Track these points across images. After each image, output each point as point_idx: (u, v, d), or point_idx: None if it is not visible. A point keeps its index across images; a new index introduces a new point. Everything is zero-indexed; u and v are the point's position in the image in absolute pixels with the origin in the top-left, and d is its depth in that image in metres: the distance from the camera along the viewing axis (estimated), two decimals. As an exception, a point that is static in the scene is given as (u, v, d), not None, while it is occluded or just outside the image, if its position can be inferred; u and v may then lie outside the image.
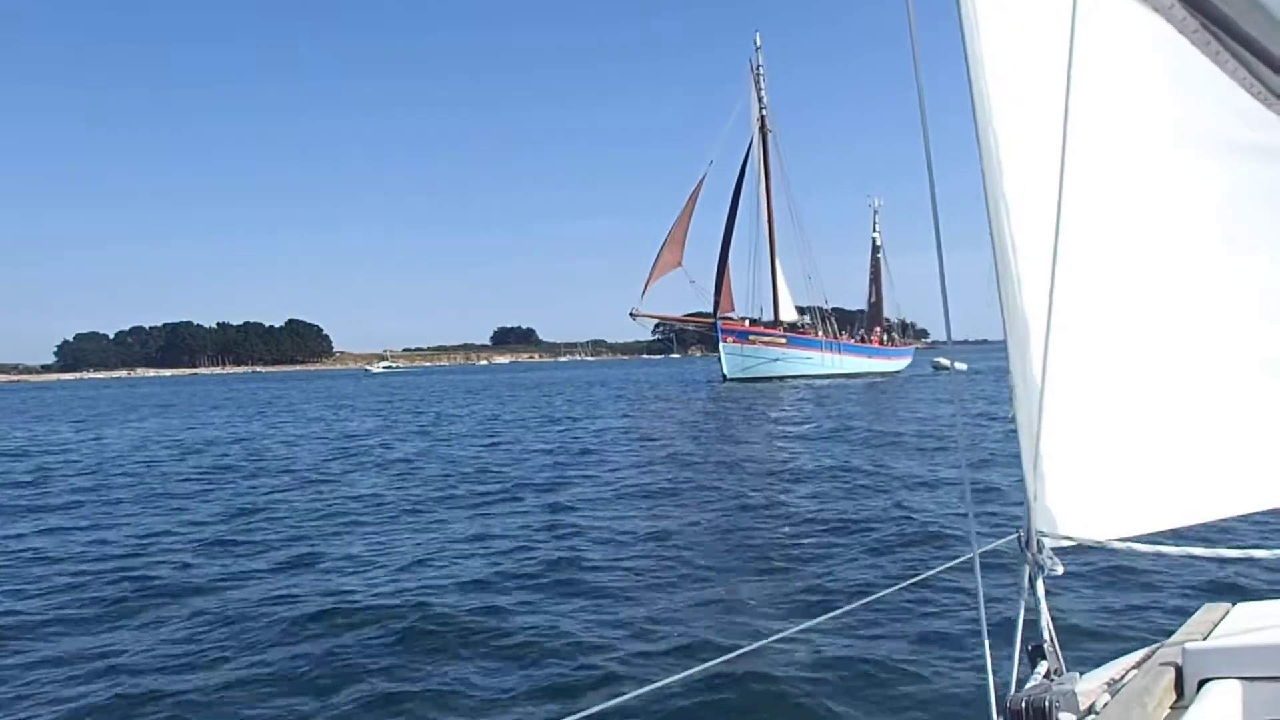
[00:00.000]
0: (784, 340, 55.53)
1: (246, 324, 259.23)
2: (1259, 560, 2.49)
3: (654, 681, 2.22)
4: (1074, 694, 1.74)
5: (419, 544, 9.93)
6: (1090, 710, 1.78)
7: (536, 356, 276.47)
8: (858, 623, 6.50)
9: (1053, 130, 1.82)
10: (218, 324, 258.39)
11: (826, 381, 52.31)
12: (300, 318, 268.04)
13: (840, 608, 3.32)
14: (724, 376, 53.95)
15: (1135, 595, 7.11)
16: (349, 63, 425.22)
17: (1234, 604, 2.54)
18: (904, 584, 3.36)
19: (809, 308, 60.12)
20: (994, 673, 1.89)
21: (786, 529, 10.66)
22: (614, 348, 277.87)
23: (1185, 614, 2.50)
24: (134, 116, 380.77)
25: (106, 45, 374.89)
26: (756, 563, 9.01)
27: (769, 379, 53.09)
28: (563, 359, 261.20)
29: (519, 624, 6.93)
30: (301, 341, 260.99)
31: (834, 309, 65.96)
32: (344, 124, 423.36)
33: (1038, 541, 2.05)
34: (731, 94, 57.84)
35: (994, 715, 1.75)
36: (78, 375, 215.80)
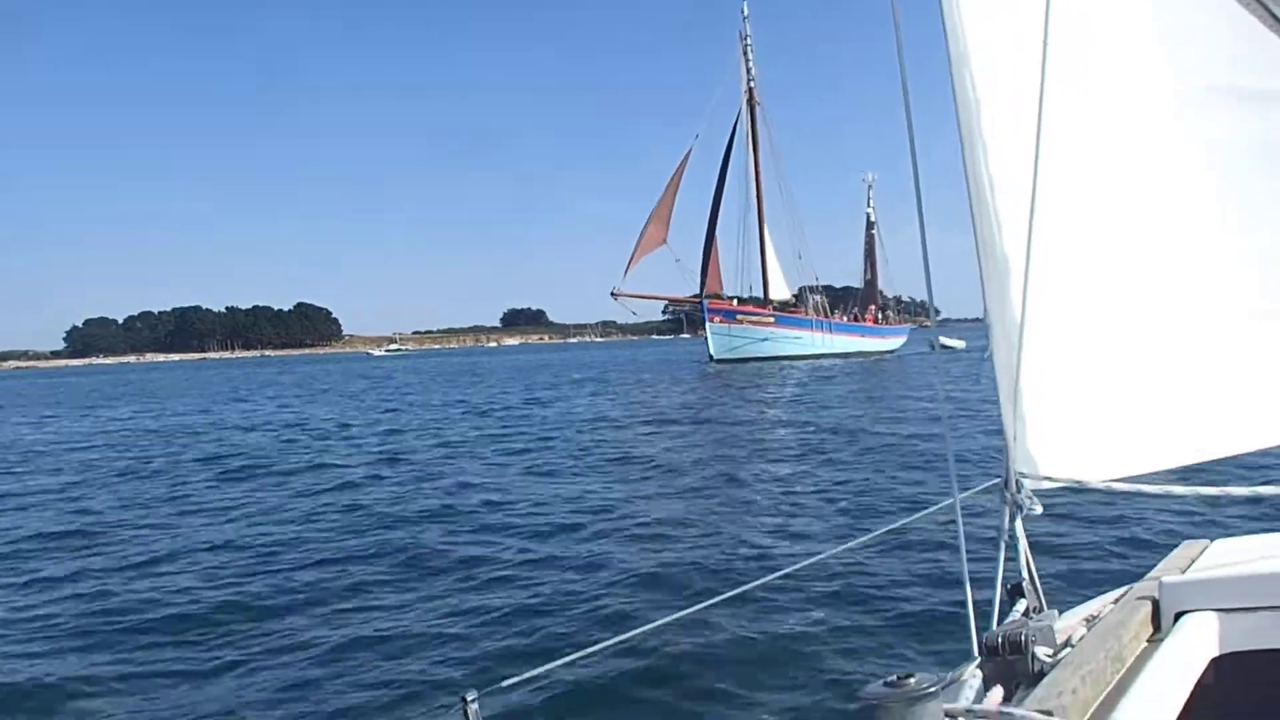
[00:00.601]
0: (772, 320, 53.69)
1: (255, 308, 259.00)
2: (1237, 497, 2.25)
3: (635, 628, 2.28)
4: (1051, 629, 1.76)
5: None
6: (1066, 644, 1.76)
7: (547, 338, 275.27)
8: (842, 568, 6.56)
9: (1031, 64, 1.80)
10: (226, 308, 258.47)
11: (816, 361, 50.58)
12: (310, 301, 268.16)
13: (823, 553, 3.33)
14: (711, 357, 52.32)
15: (1117, 536, 7.13)
16: (357, 45, 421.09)
17: (1212, 540, 2.53)
18: (887, 528, 3.40)
19: (812, 287, 58.23)
20: (975, 613, 1.94)
21: (762, 489, 10.52)
22: (624, 328, 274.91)
23: (1164, 554, 2.46)
24: (137, 99, 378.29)
25: (101, 26, 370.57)
26: (733, 517, 9.02)
27: (757, 359, 51.40)
28: (572, 340, 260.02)
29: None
30: (310, 325, 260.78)
31: (842, 288, 64.21)
32: (349, 107, 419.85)
33: (1017, 482, 2.07)
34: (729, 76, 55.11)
35: (975, 654, 1.75)
36: (86, 361, 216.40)
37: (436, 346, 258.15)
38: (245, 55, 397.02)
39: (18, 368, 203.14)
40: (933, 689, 1.36)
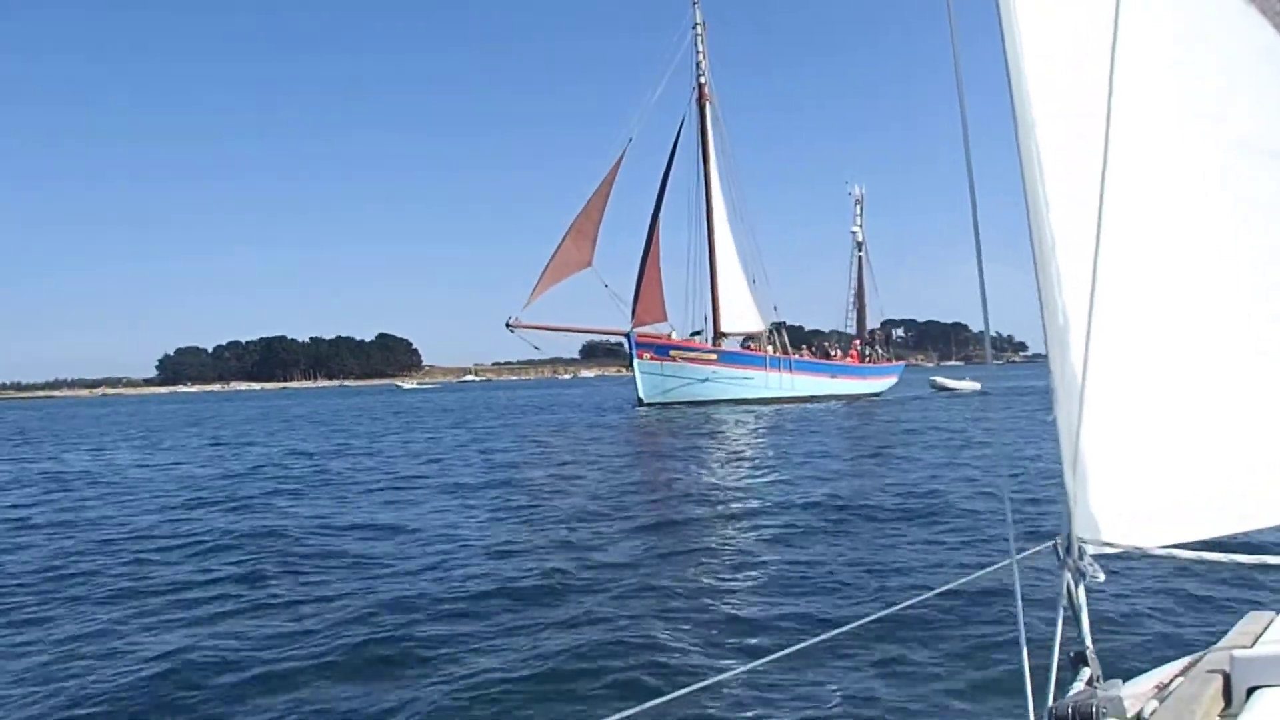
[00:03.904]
0: (714, 357, 45.00)
1: (338, 338, 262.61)
2: None
3: (687, 686, 2.13)
4: (1120, 700, 1.73)
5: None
6: (1137, 717, 1.76)
7: (624, 370, 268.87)
8: (892, 629, 6.28)
9: (1095, 123, 1.81)
10: (310, 338, 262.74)
11: (771, 407, 41.70)
12: (391, 332, 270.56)
13: (874, 614, 2.98)
14: (640, 400, 44.23)
15: (1173, 602, 6.92)
16: (432, 76, 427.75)
17: (1278, 613, 2.47)
18: (939, 590, 3.19)
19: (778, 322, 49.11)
20: (1032, 680, 1.89)
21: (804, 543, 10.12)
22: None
23: (1226, 623, 2.38)
24: (223, 135, 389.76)
25: (169, 62, 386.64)
26: (780, 575, 8.68)
27: (695, 403, 42.93)
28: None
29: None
30: (391, 355, 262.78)
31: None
32: (437, 137, 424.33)
33: (1078, 548, 2.01)
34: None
35: None
36: (173, 389, 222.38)
37: (514, 378, 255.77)
38: (332, 85, 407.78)
39: (105, 394, 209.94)
40: None
